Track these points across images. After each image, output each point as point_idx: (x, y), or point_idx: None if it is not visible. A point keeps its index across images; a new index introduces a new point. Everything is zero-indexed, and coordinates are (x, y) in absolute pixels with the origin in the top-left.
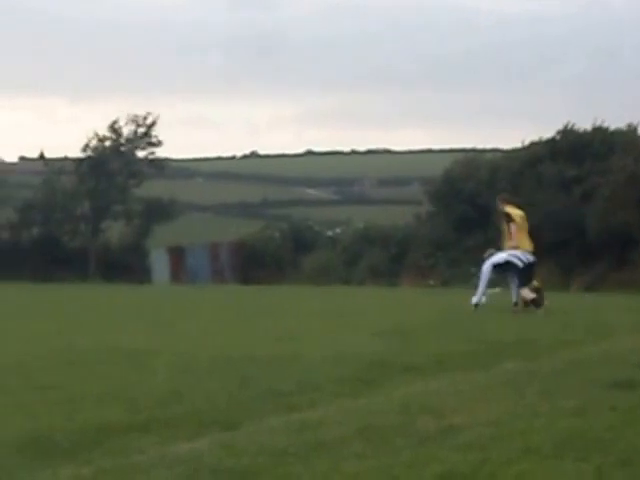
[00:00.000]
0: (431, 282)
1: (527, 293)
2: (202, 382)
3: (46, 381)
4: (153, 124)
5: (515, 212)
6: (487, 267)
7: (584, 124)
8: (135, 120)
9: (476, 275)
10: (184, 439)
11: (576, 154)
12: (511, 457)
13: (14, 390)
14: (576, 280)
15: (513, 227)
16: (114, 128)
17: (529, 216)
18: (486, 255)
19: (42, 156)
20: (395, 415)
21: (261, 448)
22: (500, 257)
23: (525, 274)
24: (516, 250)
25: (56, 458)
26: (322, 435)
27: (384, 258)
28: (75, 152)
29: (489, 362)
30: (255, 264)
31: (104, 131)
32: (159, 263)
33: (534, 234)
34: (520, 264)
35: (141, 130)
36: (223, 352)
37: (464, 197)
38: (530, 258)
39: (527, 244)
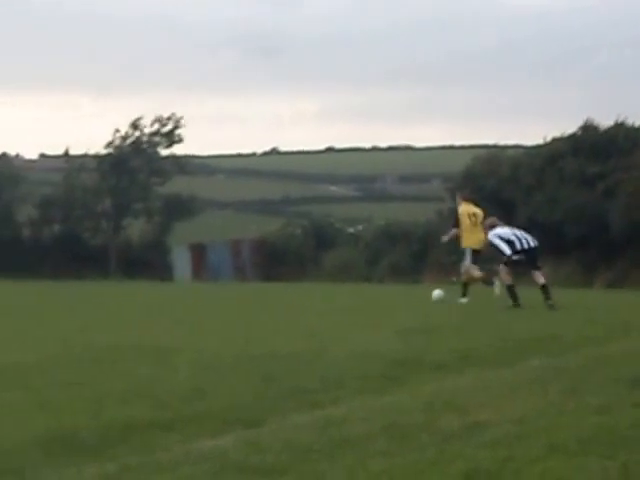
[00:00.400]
0: (454, 279)
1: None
2: (225, 379)
3: (69, 379)
4: (177, 126)
5: (465, 210)
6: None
7: (607, 120)
8: (159, 120)
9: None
10: (208, 436)
11: (598, 150)
12: (536, 455)
13: (38, 388)
14: (599, 277)
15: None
16: (136, 125)
17: (552, 212)
18: None
19: (66, 153)
20: (420, 412)
21: (286, 445)
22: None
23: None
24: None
25: (80, 455)
26: (347, 432)
27: (406, 255)
28: (97, 149)
29: (514, 359)
30: (276, 261)
31: (126, 128)
32: (180, 260)
33: (556, 230)
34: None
35: (164, 129)
36: (246, 349)
37: (485, 194)
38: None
39: (474, 241)
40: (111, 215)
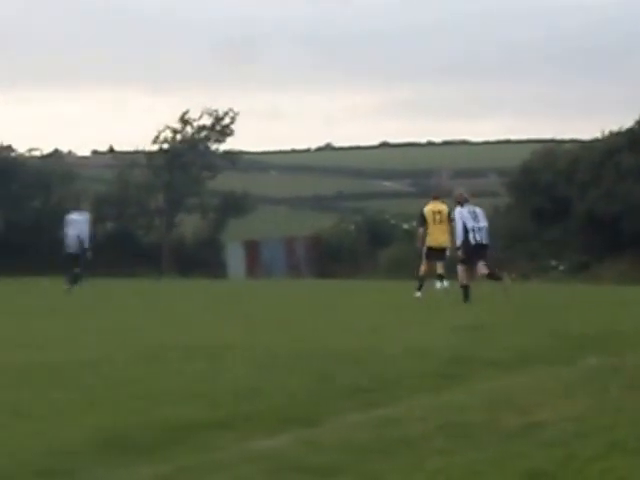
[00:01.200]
0: (512, 275)
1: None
2: (281, 377)
3: (123, 377)
4: (228, 120)
5: (428, 208)
6: None
7: None
8: (211, 113)
9: (557, 268)
10: (265, 435)
11: None
12: (596, 453)
13: (91, 387)
14: None
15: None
16: (185, 120)
17: (608, 208)
18: None
19: (112, 149)
20: (478, 411)
21: (343, 444)
22: None
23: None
24: None
25: (135, 455)
26: (404, 431)
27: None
28: (147, 145)
29: (570, 356)
30: (331, 258)
31: (176, 123)
32: (234, 257)
33: (613, 226)
34: None
35: (215, 124)
36: (302, 347)
37: (542, 188)
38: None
39: (439, 238)
40: (164, 211)
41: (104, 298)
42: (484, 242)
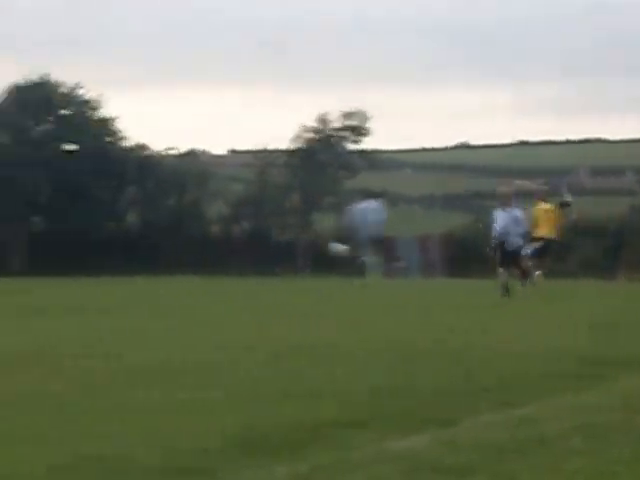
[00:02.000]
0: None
1: None
2: (416, 377)
3: (258, 377)
4: (364, 120)
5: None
6: None
7: None
8: (346, 114)
9: None
10: (400, 435)
11: None
12: None
13: (227, 387)
14: None
15: None
16: (323, 119)
17: None
18: None
19: (254, 149)
20: (614, 411)
21: (478, 444)
22: None
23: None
24: None
25: (272, 455)
26: (540, 431)
27: (598, 250)
28: (283, 144)
29: None
30: (465, 257)
31: (313, 123)
32: (370, 256)
33: None
34: None
35: (352, 123)
36: (438, 346)
37: None
38: None
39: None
40: (300, 211)
41: (239, 297)
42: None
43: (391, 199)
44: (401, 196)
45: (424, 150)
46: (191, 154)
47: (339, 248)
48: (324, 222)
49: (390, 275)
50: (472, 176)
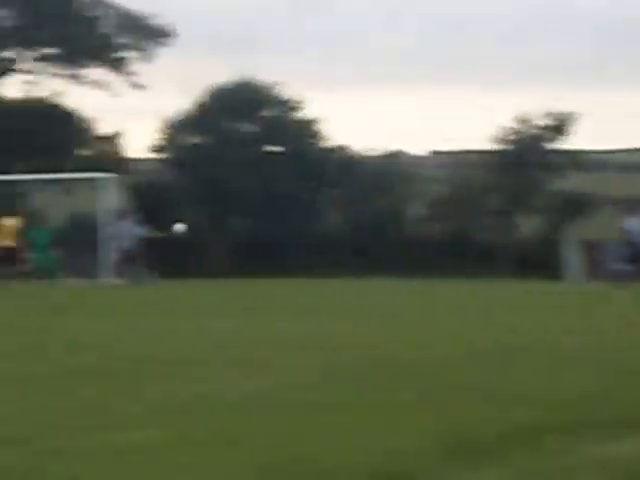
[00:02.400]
0: None
1: None
2: (628, 380)
3: (460, 380)
4: (568, 121)
5: None
6: None
7: None
8: (550, 114)
9: None
10: (612, 441)
11: None
12: None
13: (427, 388)
14: None
15: None
16: (524, 120)
17: None
18: None
19: (453, 150)
20: None
21: None
22: None
23: None
24: None
25: (477, 459)
26: None
27: None
28: (482, 144)
29: None
30: None
31: (514, 123)
32: (572, 259)
33: None
34: None
35: (554, 124)
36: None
37: None
38: None
39: None
40: (503, 212)
41: (438, 299)
42: None
43: (596, 201)
44: (605, 198)
45: (631, 150)
46: (392, 156)
47: None
48: (527, 224)
49: (593, 278)
50: None
